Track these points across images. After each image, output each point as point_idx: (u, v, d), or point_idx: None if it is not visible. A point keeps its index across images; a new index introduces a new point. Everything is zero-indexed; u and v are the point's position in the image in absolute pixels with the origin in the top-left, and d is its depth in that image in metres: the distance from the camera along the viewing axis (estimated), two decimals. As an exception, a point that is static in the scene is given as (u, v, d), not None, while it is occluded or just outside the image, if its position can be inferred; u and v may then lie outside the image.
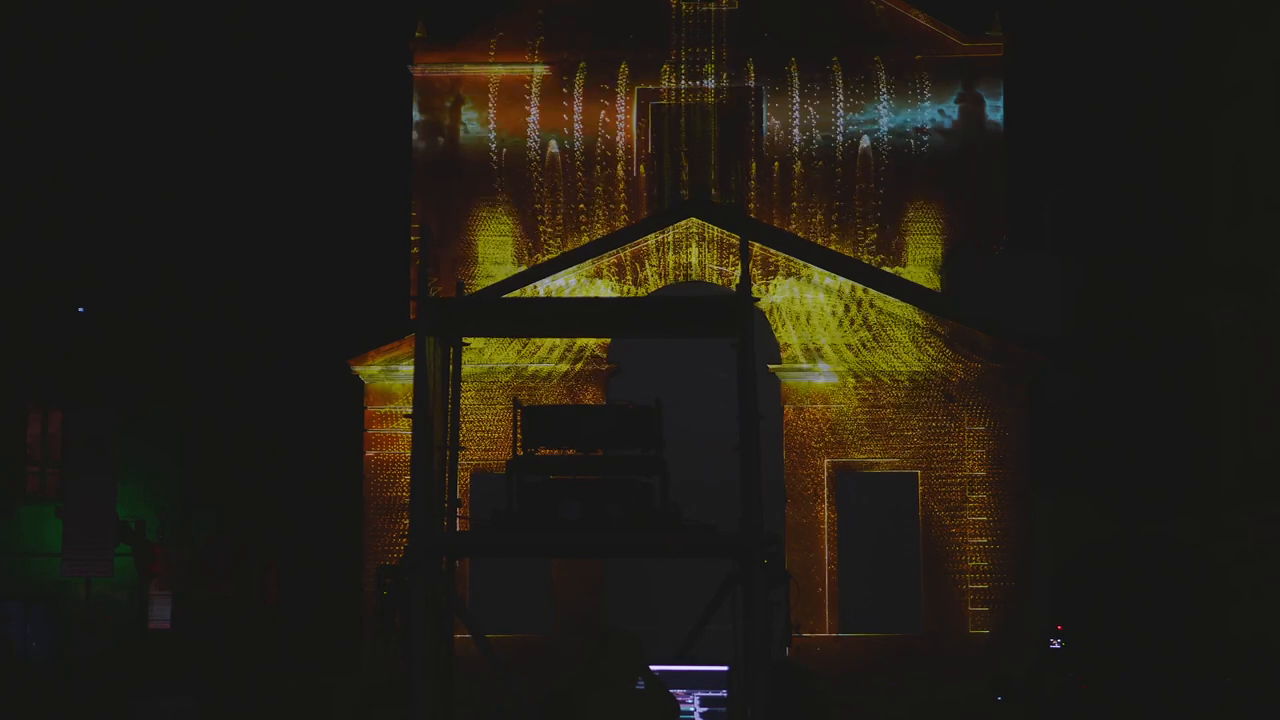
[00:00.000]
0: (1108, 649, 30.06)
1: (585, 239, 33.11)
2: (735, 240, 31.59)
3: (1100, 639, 30.49)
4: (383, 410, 31.28)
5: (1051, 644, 30.64)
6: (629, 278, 31.29)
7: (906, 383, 31.15)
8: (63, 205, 33.95)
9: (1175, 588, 30.91)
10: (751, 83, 34.31)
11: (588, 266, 31.42)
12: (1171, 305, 33.78)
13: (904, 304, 31.33)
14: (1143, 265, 35.19)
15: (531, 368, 31.19)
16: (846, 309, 31.24)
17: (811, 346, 31.18)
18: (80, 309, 33.55)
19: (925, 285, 33.25)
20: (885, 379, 31.12)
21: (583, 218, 33.64)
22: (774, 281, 31.02)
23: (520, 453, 11.95)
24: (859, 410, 31.09)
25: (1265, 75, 31.41)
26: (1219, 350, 32.56)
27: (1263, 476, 30.76)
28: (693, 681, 27.95)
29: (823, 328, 31.14)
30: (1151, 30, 35.62)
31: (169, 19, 36.87)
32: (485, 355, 30.78)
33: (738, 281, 11.97)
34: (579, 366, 31.22)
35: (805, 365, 31.25)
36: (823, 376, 31.21)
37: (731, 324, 11.87)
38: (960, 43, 34.18)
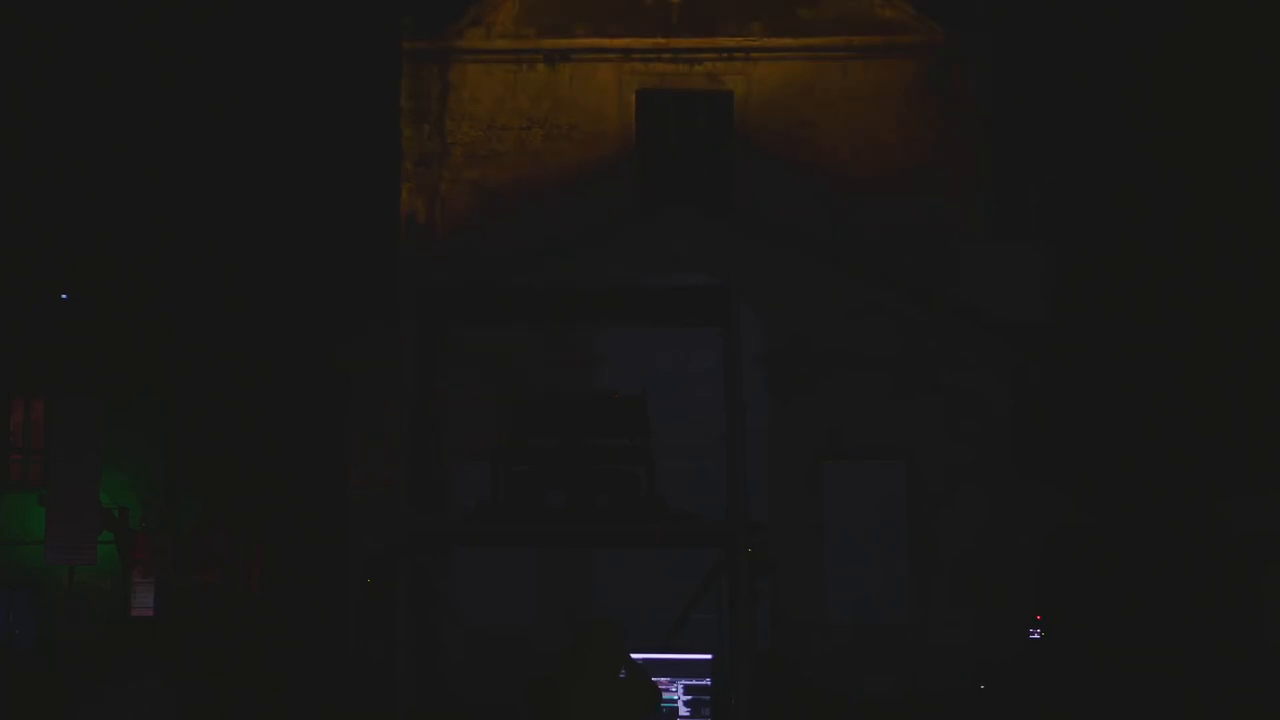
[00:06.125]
0: (1089, 639, 30.11)
1: (573, 227, 32.98)
2: (722, 230, 31.58)
3: (1083, 629, 30.54)
4: (368, 397, 31.19)
5: (1031, 634, 30.70)
6: (616, 267, 31.22)
7: (892, 372, 31.15)
8: (48, 192, 33.84)
9: (1159, 578, 30.96)
10: (738, 70, 34.20)
11: (575, 254, 31.35)
12: (1159, 292, 33.78)
13: (889, 292, 31.33)
14: (1128, 251, 35.16)
15: (516, 355, 31.12)
16: (833, 298, 31.23)
17: (798, 336, 31.17)
18: (64, 295, 33.45)
19: (910, 274, 33.19)
20: (871, 368, 31.12)
21: (570, 206, 33.52)
22: (760, 270, 30.96)
23: (505, 441, 11.91)
24: (845, 399, 31.08)
25: (1257, 63, 31.43)
26: (1208, 339, 32.56)
27: (1251, 466, 30.78)
28: (676, 670, 28.00)
29: (809, 317, 31.13)
30: (1138, 13, 35.59)
31: (150, 10, 36.74)
32: (470, 342, 30.69)
33: (724, 271, 11.95)
34: (564, 354, 31.16)
35: (791, 355, 31.24)
36: (808, 366, 31.20)
37: (718, 314, 11.85)
38: (944, 30, 34.03)
